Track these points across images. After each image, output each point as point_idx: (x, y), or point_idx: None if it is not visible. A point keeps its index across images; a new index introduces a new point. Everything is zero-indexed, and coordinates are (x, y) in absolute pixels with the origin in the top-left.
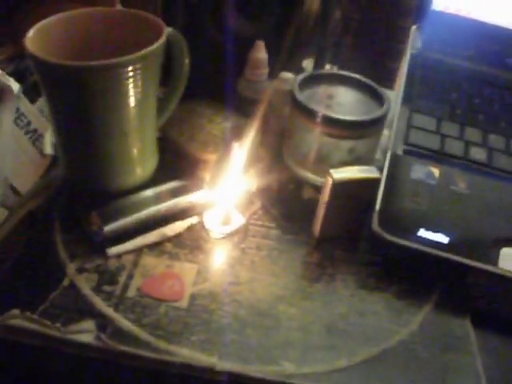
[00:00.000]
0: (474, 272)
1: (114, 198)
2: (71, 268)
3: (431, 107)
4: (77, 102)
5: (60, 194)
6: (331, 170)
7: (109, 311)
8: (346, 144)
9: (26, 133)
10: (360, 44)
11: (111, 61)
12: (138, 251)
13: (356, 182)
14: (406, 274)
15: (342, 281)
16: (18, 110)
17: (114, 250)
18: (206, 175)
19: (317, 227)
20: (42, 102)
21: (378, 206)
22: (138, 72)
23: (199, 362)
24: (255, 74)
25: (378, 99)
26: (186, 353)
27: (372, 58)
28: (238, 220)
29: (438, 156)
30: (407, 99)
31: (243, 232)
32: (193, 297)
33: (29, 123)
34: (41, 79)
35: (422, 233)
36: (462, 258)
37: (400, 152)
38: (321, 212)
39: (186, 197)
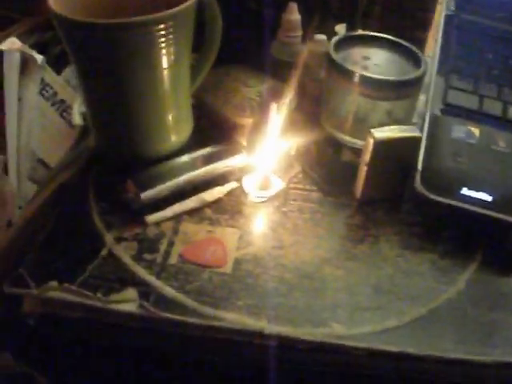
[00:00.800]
0: None
1: (149, 164)
2: (109, 237)
3: (468, 68)
4: (108, 64)
5: (92, 164)
6: (372, 130)
7: (151, 279)
8: (384, 105)
9: (53, 104)
10: (388, 15)
11: (143, 18)
12: (177, 218)
13: (397, 141)
14: (449, 234)
15: (385, 242)
16: (42, 80)
17: (152, 218)
18: (243, 139)
19: (358, 189)
20: (68, 72)
21: (419, 166)
22: (171, 31)
23: (247, 327)
24: (289, 36)
25: (414, 60)
26: (232, 318)
27: (400, 28)
28: (278, 184)
29: (476, 116)
30: (443, 60)
31: (283, 195)
32: (237, 262)
33: (55, 94)
34: (68, 42)
35: (465, 191)
36: (505, 216)
37: (438, 113)
38: (362, 173)
39: (223, 161)
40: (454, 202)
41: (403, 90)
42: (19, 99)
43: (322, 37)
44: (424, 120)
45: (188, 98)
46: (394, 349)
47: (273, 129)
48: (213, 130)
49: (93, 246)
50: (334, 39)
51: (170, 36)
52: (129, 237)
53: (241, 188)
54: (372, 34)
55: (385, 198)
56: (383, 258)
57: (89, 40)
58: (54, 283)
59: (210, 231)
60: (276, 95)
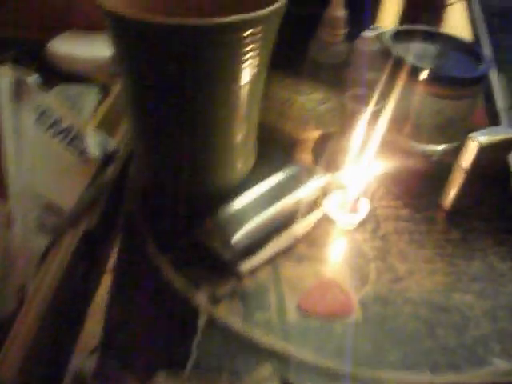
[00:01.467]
0: None
1: (215, 201)
2: (201, 299)
3: None
4: (176, 77)
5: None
6: (472, 134)
7: (279, 345)
8: (452, 105)
9: (56, 133)
10: None
11: (228, 20)
12: (272, 262)
13: (497, 144)
14: None
15: (494, 255)
16: (38, 107)
17: (247, 266)
18: (309, 157)
19: (448, 199)
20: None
21: None
22: (258, 38)
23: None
24: (331, 34)
25: (473, 56)
26: (392, 376)
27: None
28: (365, 204)
29: None
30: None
31: (373, 217)
32: (362, 305)
33: (57, 121)
34: (122, 47)
35: None
36: None
37: (510, 109)
38: (457, 182)
39: (306, 186)
40: None
41: (473, 87)
42: (14, 132)
43: (373, 33)
44: (499, 119)
45: (258, 117)
46: None
47: (362, 142)
48: (272, 149)
49: (183, 313)
50: (389, 32)
51: (256, 44)
52: (226, 295)
53: (326, 215)
54: (425, 28)
55: (472, 205)
56: (501, 274)
57: (150, 44)
58: (162, 373)
59: (317, 272)
60: (360, 102)
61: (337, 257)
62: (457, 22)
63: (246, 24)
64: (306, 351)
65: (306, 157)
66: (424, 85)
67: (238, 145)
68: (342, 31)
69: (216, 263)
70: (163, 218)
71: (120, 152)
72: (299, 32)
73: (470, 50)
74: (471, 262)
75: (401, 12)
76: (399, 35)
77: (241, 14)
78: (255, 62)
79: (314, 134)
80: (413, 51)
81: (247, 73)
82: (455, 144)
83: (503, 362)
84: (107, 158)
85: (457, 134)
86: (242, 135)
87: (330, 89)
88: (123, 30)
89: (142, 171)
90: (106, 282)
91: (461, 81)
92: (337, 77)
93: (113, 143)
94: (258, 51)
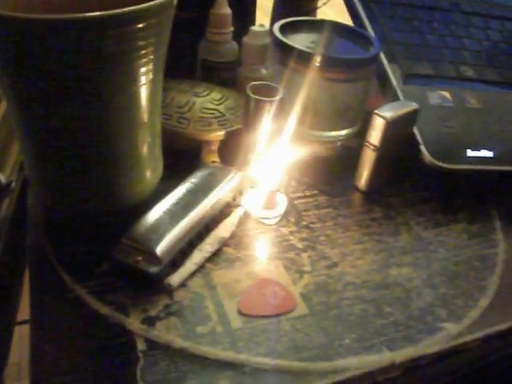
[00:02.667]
0: None
1: (128, 216)
2: (133, 324)
3: (406, 38)
4: (66, 80)
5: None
6: (377, 111)
7: (229, 356)
8: (346, 88)
9: None
10: None
11: (119, 11)
12: (202, 270)
13: (402, 117)
14: (462, 201)
15: (417, 225)
16: None
17: (175, 279)
18: (216, 157)
19: (362, 180)
20: None
21: (420, 139)
22: (152, 32)
23: (377, 365)
24: (219, 33)
25: (363, 41)
26: (355, 362)
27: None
28: (282, 198)
29: (435, 81)
30: (378, 35)
31: (293, 209)
32: (305, 297)
33: None
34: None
35: (470, 153)
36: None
37: (403, 85)
38: (368, 161)
39: (222, 186)
40: (466, 166)
41: (365, 68)
42: None
43: (260, 28)
44: (396, 95)
45: (160, 123)
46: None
47: (268, 135)
48: (178, 155)
49: (119, 342)
50: (277, 25)
51: (150, 40)
52: (160, 313)
53: (247, 213)
54: (311, 18)
55: (386, 183)
56: (428, 242)
57: (36, 44)
58: None
59: (251, 272)
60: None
61: (267, 254)
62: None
63: (140, 16)
64: (259, 356)
65: (214, 158)
66: (317, 71)
67: (144, 154)
68: (230, 29)
69: (142, 281)
70: (75, 245)
71: (13, 182)
72: (189, 36)
73: (357, 35)
74: (398, 236)
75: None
76: (287, 27)
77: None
78: (151, 61)
79: (218, 134)
80: (302, 40)
81: (144, 73)
82: (356, 127)
83: (452, 324)
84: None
85: (356, 117)
86: (147, 143)
87: (226, 88)
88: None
89: (40, 198)
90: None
91: (353, 63)
92: (230, 75)
93: (3, 175)
94: (153, 48)
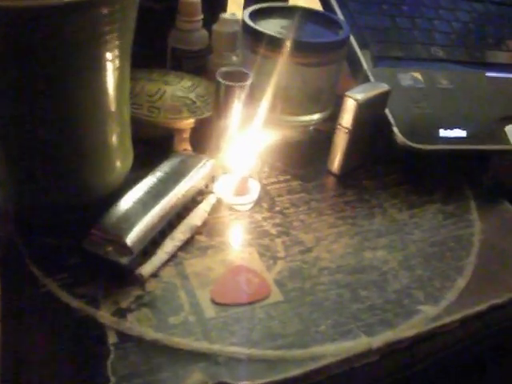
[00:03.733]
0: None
1: (98, 207)
2: (104, 316)
3: (375, 21)
4: (29, 68)
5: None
6: (348, 93)
7: (204, 347)
8: (316, 72)
9: None
10: None
11: None
12: (174, 259)
13: (373, 99)
14: (437, 181)
15: (392, 207)
16: None
17: (147, 269)
18: (187, 145)
19: (335, 163)
20: None
21: (392, 120)
22: (117, 18)
23: (354, 351)
24: (187, 21)
25: (332, 26)
26: (332, 348)
27: None
28: (255, 184)
29: (407, 62)
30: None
31: (266, 195)
32: (279, 284)
33: None
34: None
35: (443, 133)
36: (484, 146)
37: (373, 67)
38: (340, 144)
39: (194, 173)
40: (439, 146)
41: (335, 52)
42: None
43: (231, 16)
44: (367, 78)
45: (129, 108)
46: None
47: (239, 121)
48: (149, 144)
49: (90, 335)
50: (246, 12)
51: (116, 25)
52: (131, 305)
53: (220, 200)
54: (281, 4)
55: (359, 166)
56: (403, 224)
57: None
58: None
59: (223, 260)
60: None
61: (240, 241)
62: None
63: (103, 1)
64: (233, 345)
65: (186, 146)
66: (288, 56)
67: (112, 144)
68: (199, 17)
69: (113, 272)
70: (45, 238)
71: None
72: (159, 25)
73: (327, 20)
74: (372, 219)
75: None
76: (257, 14)
77: None
78: (117, 47)
79: (189, 122)
80: (273, 26)
81: (110, 60)
82: (328, 111)
83: (430, 307)
84: None
85: (328, 101)
86: (115, 133)
87: (196, 76)
88: None
89: (8, 192)
90: None
91: (323, 46)
92: (200, 63)
93: None
94: (117, 34)
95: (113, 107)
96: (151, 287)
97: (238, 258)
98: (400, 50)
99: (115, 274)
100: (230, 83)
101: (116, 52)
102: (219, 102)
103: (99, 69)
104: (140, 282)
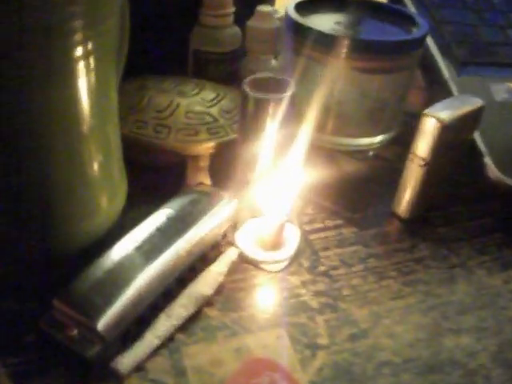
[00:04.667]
0: None
1: (73, 265)
2: None
3: (459, 16)
4: None
5: None
6: (428, 111)
7: None
8: (381, 81)
9: None
10: None
11: None
12: (170, 343)
13: (463, 119)
14: None
15: (479, 267)
16: None
17: (127, 360)
18: (206, 178)
19: (402, 204)
20: None
21: (484, 148)
22: (90, 27)
23: None
24: (216, 16)
25: (403, 22)
26: None
27: None
28: (292, 233)
29: (501, 70)
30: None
31: (307, 247)
32: None
33: None
34: None
35: None
36: None
37: (456, 75)
38: (413, 178)
39: (207, 219)
40: None
41: (407, 54)
42: None
43: (270, 9)
44: (448, 90)
45: (119, 137)
46: None
47: (271, 147)
48: (152, 175)
49: None
50: (291, 3)
51: (86, 33)
52: None
53: (241, 254)
54: None
55: (433, 207)
56: (496, 293)
57: None
58: None
59: (239, 349)
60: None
61: (266, 318)
62: None
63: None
64: None
65: (202, 179)
66: (343, 59)
67: (93, 176)
68: (230, 11)
69: (78, 364)
70: (3, 304)
71: None
72: (177, 23)
73: (395, 14)
74: (453, 284)
75: None
76: (305, 6)
77: None
78: (90, 39)
79: (208, 147)
80: (324, 22)
81: (79, 57)
82: (393, 133)
83: None
84: None
85: (393, 120)
86: (98, 162)
87: (223, 85)
88: None
89: None
90: None
91: (391, 46)
92: (230, 69)
93: None
94: (83, 21)
95: (89, 127)
96: None
97: (259, 347)
98: (492, 55)
99: (81, 365)
100: (262, 95)
101: (88, 46)
102: (246, 121)
103: (64, 68)
104: (117, 378)
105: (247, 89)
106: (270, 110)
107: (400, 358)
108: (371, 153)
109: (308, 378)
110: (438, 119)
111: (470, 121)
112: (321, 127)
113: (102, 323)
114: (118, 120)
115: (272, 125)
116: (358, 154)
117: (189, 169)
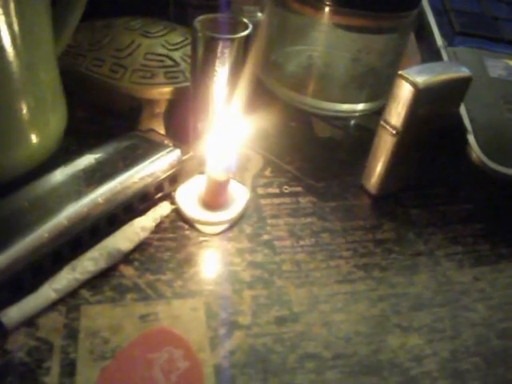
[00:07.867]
0: None
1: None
2: None
3: None
4: None
5: None
6: (403, 72)
7: None
8: (370, 41)
9: None
10: None
11: None
12: (70, 299)
13: (442, 86)
14: None
15: (448, 259)
16: None
17: (14, 313)
18: (159, 124)
19: (371, 178)
20: None
21: (469, 125)
22: None
23: None
24: None
25: None
26: None
27: None
28: (241, 193)
29: (500, 45)
30: None
31: (255, 212)
32: (222, 375)
33: None
34: None
35: None
36: None
37: (453, 46)
38: (383, 151)
39: (143, 166)
40: None
41: (402, 13)
42: None
43: None
44: (439, 55)
45: (54, 68)
46: None
47: (229, 93)
48: (102, 117)
49: None
50: None
51: None
52: None
53: (178, 211)
54: None
55: (407, 186)
56: (462, 290)
57: None
58: None
59: (144, 316)
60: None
61: (187, 285)
62: None
63: None
64: None
65: (155, 125)
66: (325, 13)
67: (23, 108)
68: None
69: None
70: None
71: None
72: None
73: None
74: (414, 274)
75: None
76: None
77: None
78: None
79: (164, 91)
80: None
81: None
82: (379, 102)
83: None
84: None
85: (382, 87)
86: (28, 94)
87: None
88: None
89: None
90: None
91: (378, 2)
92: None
93: None
94: None
95: (15, 64)
96: (15, 343)
97: (169, 317)
98: (492, 29)
99: None
100: (213, 34)
101: None
102: (196, 64)
103: None
104: (1, 331)
105: (198, 26)
106: (219, 50)
107: (330, 353)
108: (353, 121)
109: (214, 360)
110: (412, 82)
111: (452, 91)
112: (300, 88)
113: None
114: (51, 46)
115: (222, 68)
116: (337, 120)
117: (143, 114)
